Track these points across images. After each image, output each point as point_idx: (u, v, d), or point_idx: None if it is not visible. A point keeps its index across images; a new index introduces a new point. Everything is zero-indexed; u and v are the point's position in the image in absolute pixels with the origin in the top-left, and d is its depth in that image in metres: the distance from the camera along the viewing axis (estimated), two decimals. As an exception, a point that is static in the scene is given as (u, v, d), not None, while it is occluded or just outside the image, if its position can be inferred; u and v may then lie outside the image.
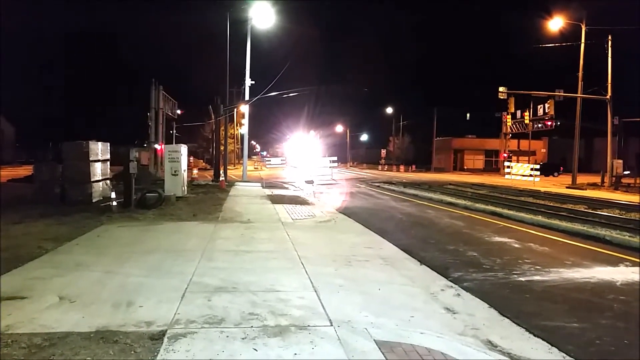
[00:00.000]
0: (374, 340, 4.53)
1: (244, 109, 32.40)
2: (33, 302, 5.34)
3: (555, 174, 49.33)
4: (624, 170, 33.48)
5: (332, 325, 4.86)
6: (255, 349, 4.21)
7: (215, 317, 4.95)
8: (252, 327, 4.73)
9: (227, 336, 4.48)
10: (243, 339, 4.43)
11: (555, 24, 32.71)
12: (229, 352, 4.14)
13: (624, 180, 32.57)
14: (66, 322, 4.73)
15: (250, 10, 27.97)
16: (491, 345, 4.77)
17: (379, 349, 4.34)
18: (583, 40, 32.60)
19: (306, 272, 7.07)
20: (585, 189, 30.00)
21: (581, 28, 32.66)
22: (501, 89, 35.64)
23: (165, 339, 4.36)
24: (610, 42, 32.11)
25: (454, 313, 5.65)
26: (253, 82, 29.60)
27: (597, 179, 34.70)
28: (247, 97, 29.87)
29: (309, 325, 4.82)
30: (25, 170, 28.15)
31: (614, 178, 31.81)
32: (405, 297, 6.18)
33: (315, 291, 6.07)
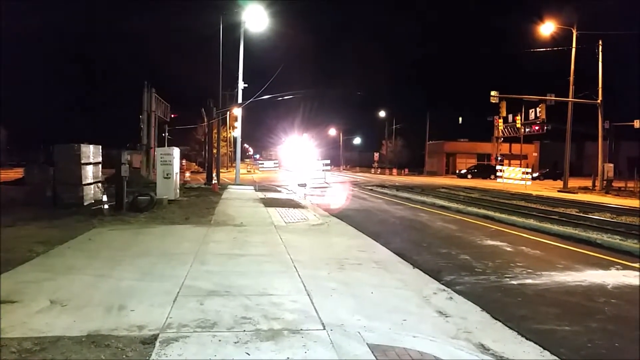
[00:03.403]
0: (367, 343, 4.53)
1: (237, 112, 32.40)
2: (24, 306, 5.29)
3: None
4: (614, 174, 33.64)
5: (325, 329, 4.86)
6: (247, 353, 4.20)
7: (208, 321, 4.93)
8: (244, 331, 4.72)
9: (220, 340, 4.46)
10: (235, 343, 4.42)
11: (547, 28, 33.00)
12: (221, 357, 4.12)
13: (615, 184, 32.78)
14: (57, 326, 4.70)
15: (243, 13, 28.00)
16: (483, 349, 4.78)
17: (372, 352, 4.34)
18: (574, 45, 32.88)
19: (299, 275, 7.06)
20: (577, 193, 30.18)
21: (572, 33, 32.93)
22: (493, 93, 35.81)
23: (157, 343, 4.33)
24: (600, 47, 32.39)
25: (447, 316, 5.66)
26: (246, 85, 29.62)
27: (588, 183, 34.95)
28: (240, 100, 29.86)
29: (301, 329, 4.82)
30: (16, 173, 27.90)
31: (605, 182, 32.03)
32: (398, 300, 6.18)
33: (308, 295, 6.07)
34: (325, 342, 4.50)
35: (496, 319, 5.71)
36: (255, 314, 5.23)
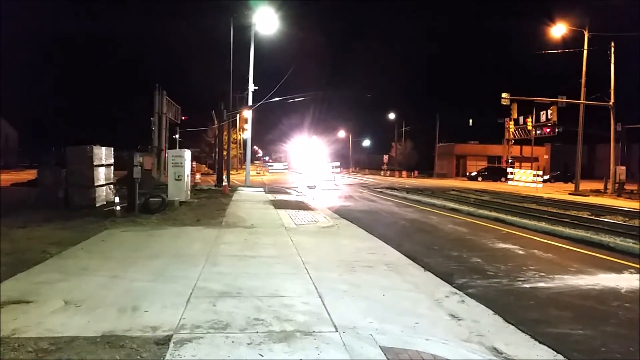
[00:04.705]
0: (380, 346, 4.53)
1: (247, 114, 32.50)
2: (39, 306, 5.35)
3: None
4: (626, 177, 33.33)
5: (337, 331, 4.86)
6: (261, 355, 4.21)
7: (221, 322, 4.96)
8: (257, 332, 4.73)
9: (233, 341, 4.48)
10: (249, 344, 4.44)
11: (558, 30, 32.76)
12: (235, 358, 4.14)
13: (627, 187, 32.50)
14: (72, 327, 4.74)
15: (254, 16, 28.10)
16: (496, 352, 4.76)
17: (385, 355, 4.34)
18: (586, 46, 32.63)
19: (310, 277, 7.07)
20: (588, 196, 29.94)
21: (584, 34, 32.70)
22: (504, 95, 35.64)
23: (171, 344, 4.36)
24: (613, 49, 32.14)
25: (459, 319, 5.64)
26: (256, 87, 29.73)
27: (599, 186, 34.64)
28: (250, 103, 29.96)
29: (314, 331, 4.82)
30: (28, 175, 28.23)
31: (617, 185, 31.75)
32: (409, 303, 6.18)
33: (320, 297, 6.07)
34: (337, 345, 4.50)
35: (509, 322, 5.69)
36: (267, 315, 5.25)
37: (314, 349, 4.37)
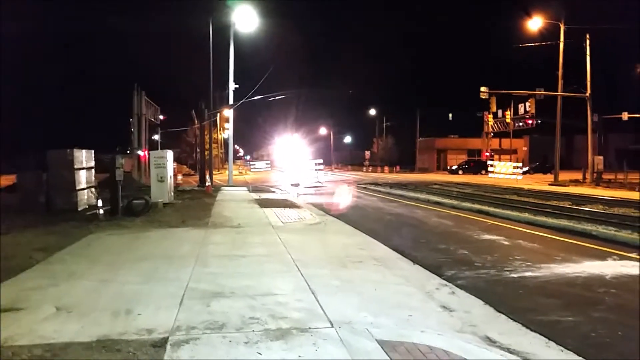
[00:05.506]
0: (376, 339, 4.57)
1: (228, 113, 32.34)
2: (30, 313, 5.27)
3: None
4: (604, 166, 33.94)
5: (332, 326, 4.89)
6: (259, 353, 4.22)
7: (216, 323, 4.95)
8: (253, 331, 4.74)
9: (230, 341, 4.48)
10: (246, 343, 4.44)
11: (535, 23, 33.21)
12: (233, 357, 4.14)
13: (605, 176, 33.13)
14: (66, 332, 4.69)
15: (233, 14, 27.91)
16: (490, 341, 4.84)
17: (382, 348, 4.38)
18: (562, 39, 33.13)
19: (302, 274, 7.09)
20: (568, 186, 30.47)
21: (560, 27, 33.19)
22: (483, 88, 36.07)
23: (168, 346, 4.34)
24: (588, 41, 32.71)
25: (451, 311, 5.72)
26: (237, 86, 29.59)
27: (578, 176, 35.26)
28: (231, 101, 29.80)
29: (310, 328, 4.85)
30: (5, 180, 27.61)
31: (595, 174, 32.35)
32: (401, 296, 6.23)
33: (313, 293, 6.10)
34: (334, 340, 4.53)
35: (500, 311, 5.78)
36: (262, 314, 5.25)
37: (312, 345, 4.40)
